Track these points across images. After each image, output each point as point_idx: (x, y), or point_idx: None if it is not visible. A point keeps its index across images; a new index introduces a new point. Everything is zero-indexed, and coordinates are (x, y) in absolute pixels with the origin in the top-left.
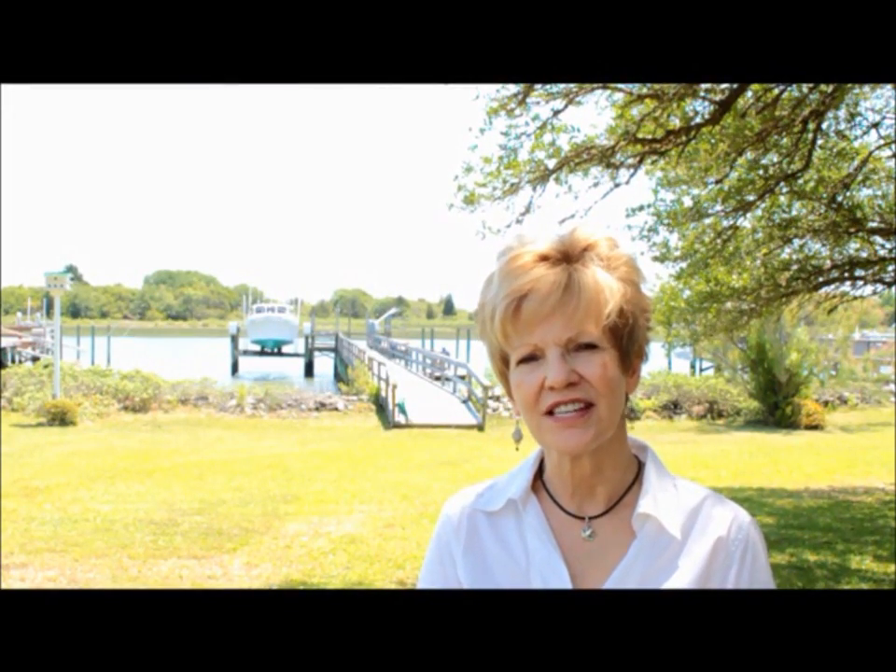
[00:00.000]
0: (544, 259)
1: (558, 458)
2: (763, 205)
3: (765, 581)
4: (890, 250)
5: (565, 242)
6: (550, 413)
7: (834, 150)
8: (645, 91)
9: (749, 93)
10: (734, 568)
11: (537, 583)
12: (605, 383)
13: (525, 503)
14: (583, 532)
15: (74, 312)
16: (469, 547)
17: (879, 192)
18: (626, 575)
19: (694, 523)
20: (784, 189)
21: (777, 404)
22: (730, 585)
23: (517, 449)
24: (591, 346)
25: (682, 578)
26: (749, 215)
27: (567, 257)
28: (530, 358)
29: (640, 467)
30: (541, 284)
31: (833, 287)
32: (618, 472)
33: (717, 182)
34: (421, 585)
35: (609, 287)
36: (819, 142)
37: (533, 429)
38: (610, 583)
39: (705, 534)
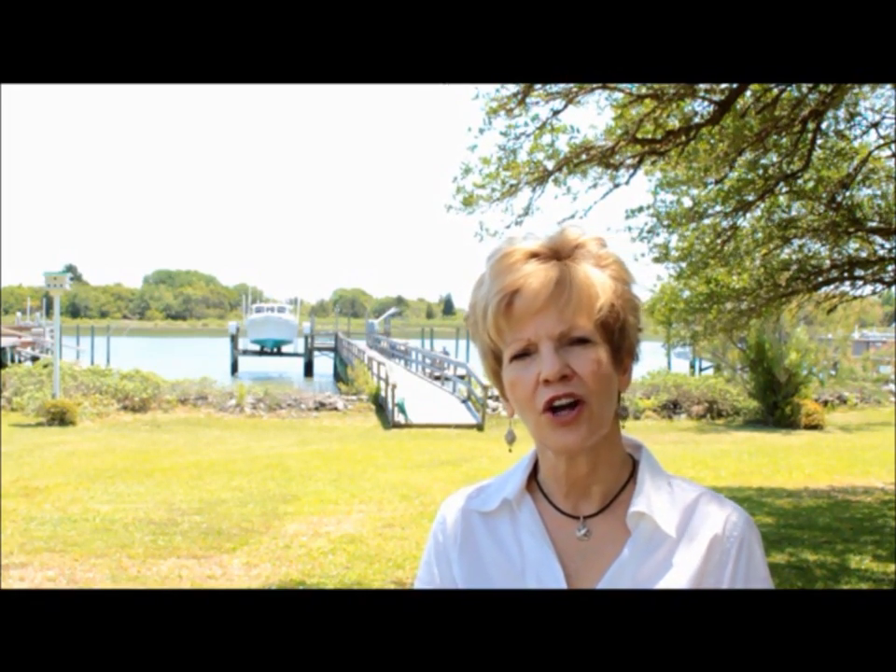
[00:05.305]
0: (535, 255)
1: (553, 458)
2: (762, 205)
3: (762, 579)
4: (890, 250)
5: (555, 240)
6: (547, 410)
7: (834, 150)
8: (644, 91)
9: (749, 93)
10: (729, 566)
11: (532, 583)
12: (597, 378)
13: (519, 503)
14: (578, 531)
15: (73, 312)
16: (465, 547)
17: (879, 192)
18: (621, 574)
19: (689, 521)
20: (784, 189)
21: (776, 404)
22: (725, 583)
23: (510, 450)
24: (583, 341)
25: (677, 576)
26: (748, 215)
27: (558, 254)
28: (523, 354)
29: (635, 465)
30: (533, 279)
31: (832, 286)
32: (612, 471)
33: (716, 182)
34: (418, 586)
35: (600, 283)
36: (819, 142)
37: (530, 427)
38: (605, 582)
39: (700, 532)
